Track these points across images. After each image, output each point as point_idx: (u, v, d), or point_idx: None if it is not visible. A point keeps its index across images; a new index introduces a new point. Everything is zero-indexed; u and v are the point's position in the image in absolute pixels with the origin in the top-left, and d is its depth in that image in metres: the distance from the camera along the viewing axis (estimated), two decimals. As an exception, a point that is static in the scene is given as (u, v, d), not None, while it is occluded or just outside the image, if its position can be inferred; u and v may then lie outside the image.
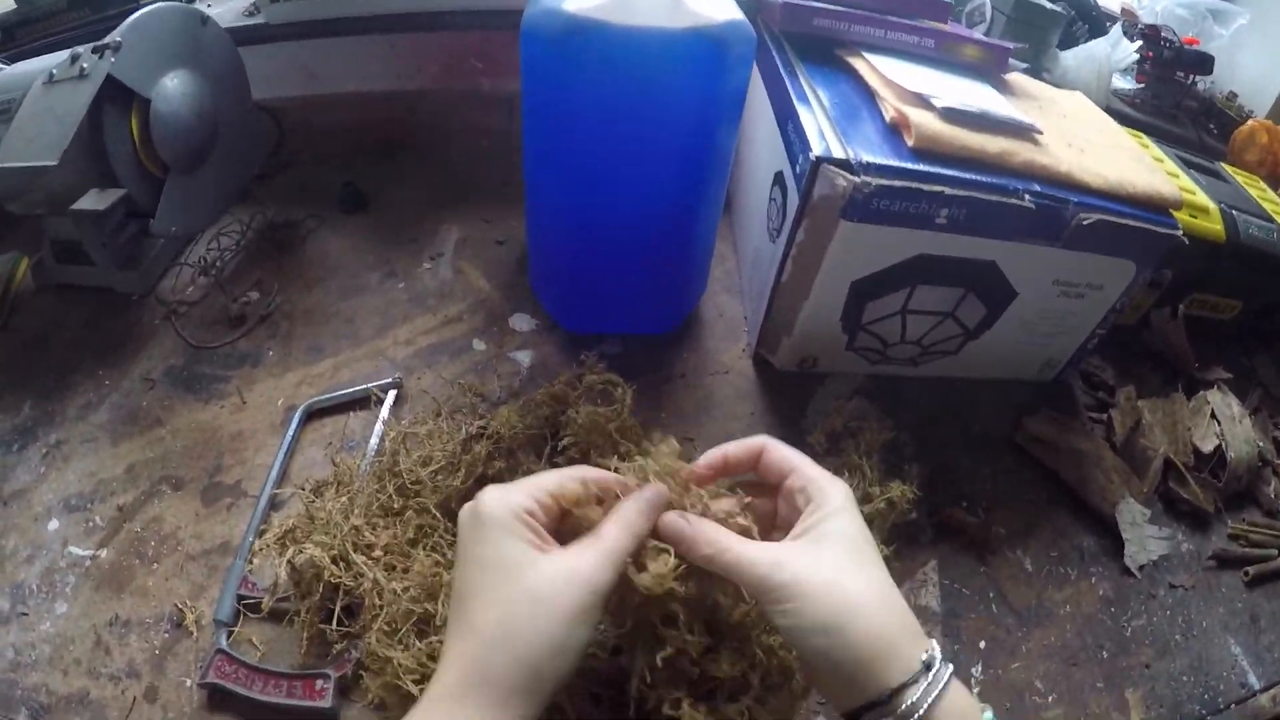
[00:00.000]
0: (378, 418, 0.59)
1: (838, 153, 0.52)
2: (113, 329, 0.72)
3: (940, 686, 0.31)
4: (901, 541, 0.57)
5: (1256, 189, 0.89)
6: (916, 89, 0.56)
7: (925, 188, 0.51)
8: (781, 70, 0.63)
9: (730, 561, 0.35)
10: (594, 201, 0.56)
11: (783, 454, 0.40)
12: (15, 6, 0.89)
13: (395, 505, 0.52)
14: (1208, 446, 0.72)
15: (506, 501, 0.35)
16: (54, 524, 0.58)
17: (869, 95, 0.59)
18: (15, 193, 0.69)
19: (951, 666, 0.33)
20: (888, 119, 0.56)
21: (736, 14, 0.51)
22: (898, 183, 0.51)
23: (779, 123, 0.60)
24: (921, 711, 0.30)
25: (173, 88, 0.68)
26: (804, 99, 0.58)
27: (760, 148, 0.66)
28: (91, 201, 0.65)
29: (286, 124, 0.83)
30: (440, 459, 0.53)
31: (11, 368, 0.70)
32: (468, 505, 0.36)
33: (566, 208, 0.58)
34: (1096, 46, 0.84)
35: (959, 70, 0.65)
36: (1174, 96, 0.92)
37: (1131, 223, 0.58)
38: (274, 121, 0.81)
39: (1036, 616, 0.57)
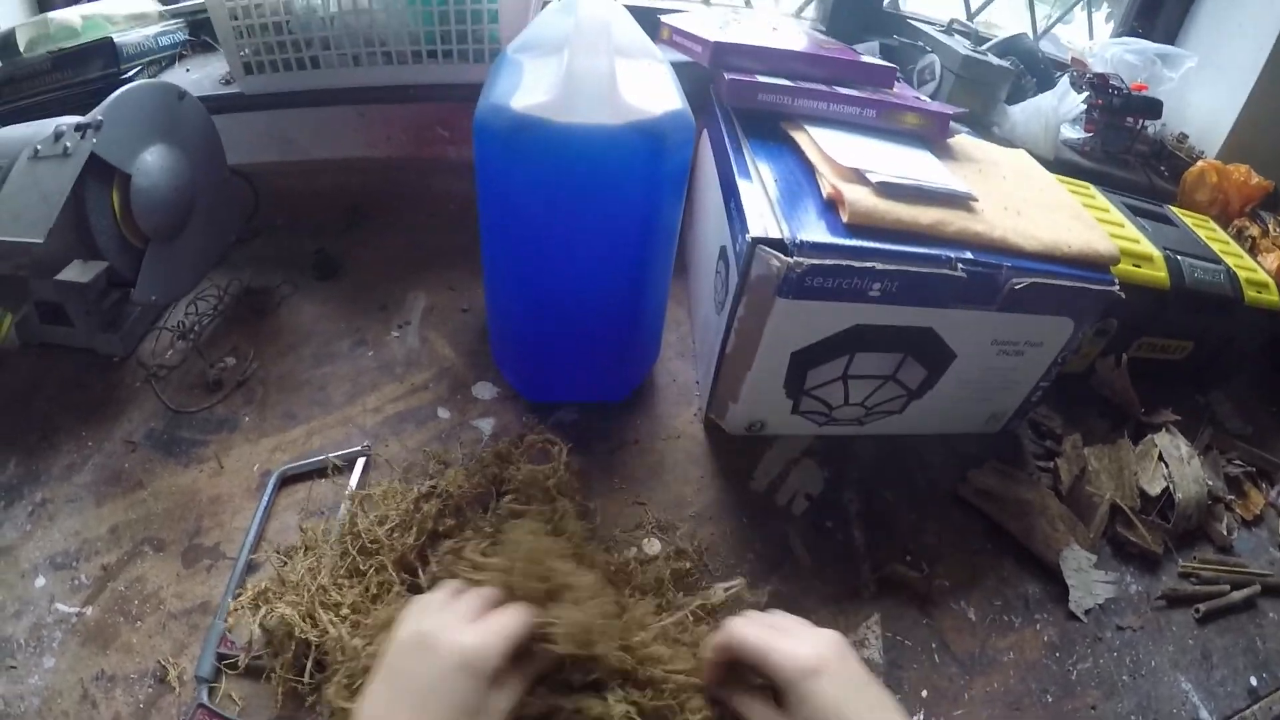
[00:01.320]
0: (349, 483, 0.63)
1: (774, 232, 0.55)
2: (94, 390, 0.75)
3: None
4: (845, 598, 0.60)
5: (1205, 229, 0.92)
6: (853, 164, 0.60)
7: (856, 264, 0.55)
8: (728, 144, 0.67)
9: None
10: (545, 279, 0.59)
11: (749, 648, 0.44)
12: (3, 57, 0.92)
13: (359, 566, 0.55)
14: (1155, 489, 0.75)
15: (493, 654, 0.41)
16: (41, 581, 0.60)
17: (810, 170, 0.63)
18: (2, 258, 0.73)
19: None
20: (825, 195, 0.59)
21: (675, 103, 0.55)
22: (829, 261, 0.55)
23: (724, 198, 0.64)
24: None
25: (152, 162, 0.72)
26: (746, 175, 0.62)
27: (709, 220, 0.70)
28: (75, 274, 0.68)
29: (261, 189, 0.86)
30: (395, 518, 0.56)
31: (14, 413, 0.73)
32: (466, 644, 0.41)
33: (521, 284, 0.61)
34: (1043, 100, 0.88)
35: (900, 138, 0.69)
36: (1124, 141, 0.96)
37: (1066, 283, 0.62)
38: (249, 186, 0.85)
39: (980, 664, 0.60)
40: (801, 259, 0.54)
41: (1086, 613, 0.65)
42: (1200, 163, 0.98)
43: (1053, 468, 0.74)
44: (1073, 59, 0.99)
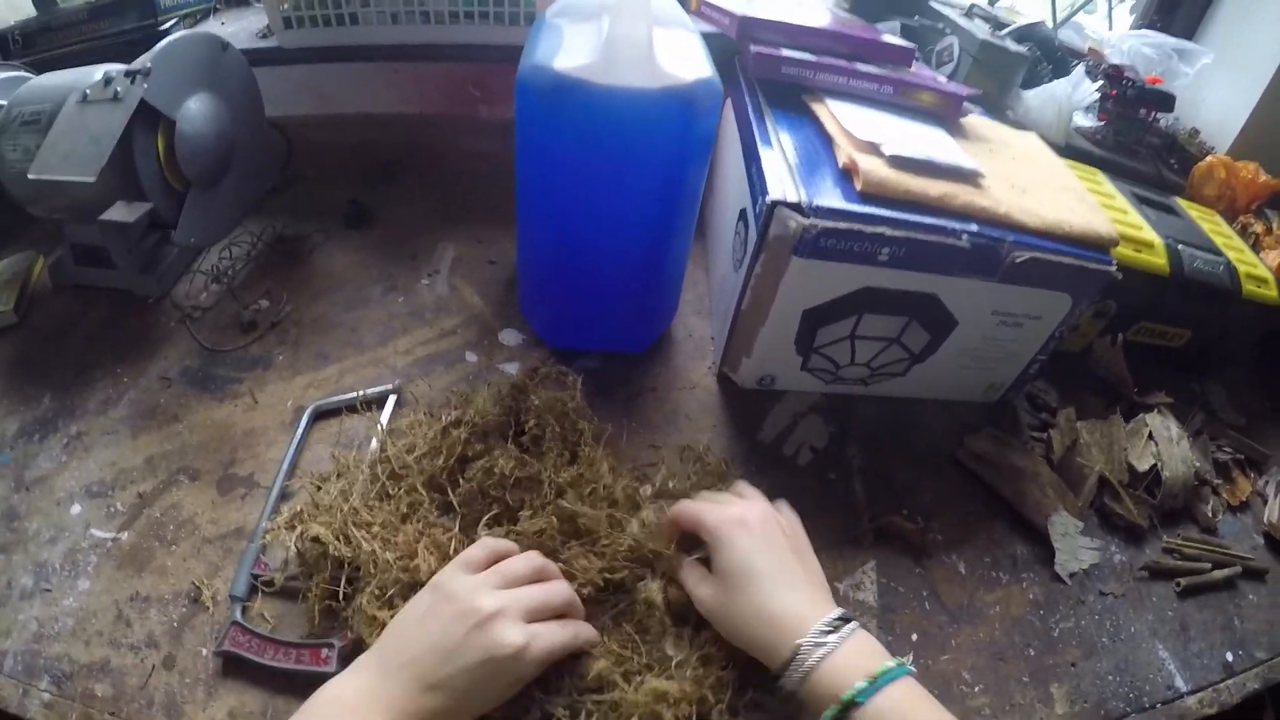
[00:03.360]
0: (379, 420, 0.69)
1: (792, 196, 0.62)
2: (129, 329, 0.82)
3: (836, 638, 0.45)
4: (844, 544, 0.67)
5: (1210, 223, 0.99)
6: (868, 137, 0.67)
7: (867, 229, 0.62)
8: (751, 113, 0.73)
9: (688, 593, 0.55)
10: (576, 233, 0.66)
11: (688, 515, 0.56)
12: (35, 14, 0.98)
13: (389, 490, 0.62)
14: (1143, 465, 0.82)
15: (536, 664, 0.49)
16: (76, 508, 0.67)
17: (828, 141, 0.69)
18: (44, 200, 0.79)
19: (854, 624, 0.46)
20: (841, 165, 0.66)
21: (705, 71, 0.61)
22: (843, 224, 0.61)
23: (746, 163, 0.70)
24: (811, 661, 0.42)
25: (196, 110, 0.78)
26: (768, 143, 0.69)
27: (730, 183, 0.76)
28: (120, 213, 0.74)
29: (295, 141, 0.93)
30: (423, 446, 0.63)
31: (30, 362, 0.80)
32: (517, 645, 0.48)
33: (552, 237, 0.68)
34: (1057, 87, 0.94)
35: (916, 115, 0.75)
36: (1136, 133, 1.03)
37: (1065, 259, 0.68)
38: (284, 138, 0.91)
39: (967, 615, 0.66)
40: (817, 221, 0.61)
41: (1071, 575, 0.71)
42: (1209, 158, 1.05)
43: (1046, 438, 0.81)
44: (1090, 49, 1.06)
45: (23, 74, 0.90)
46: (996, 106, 0.96)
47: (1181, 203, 1.00)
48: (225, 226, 0.85)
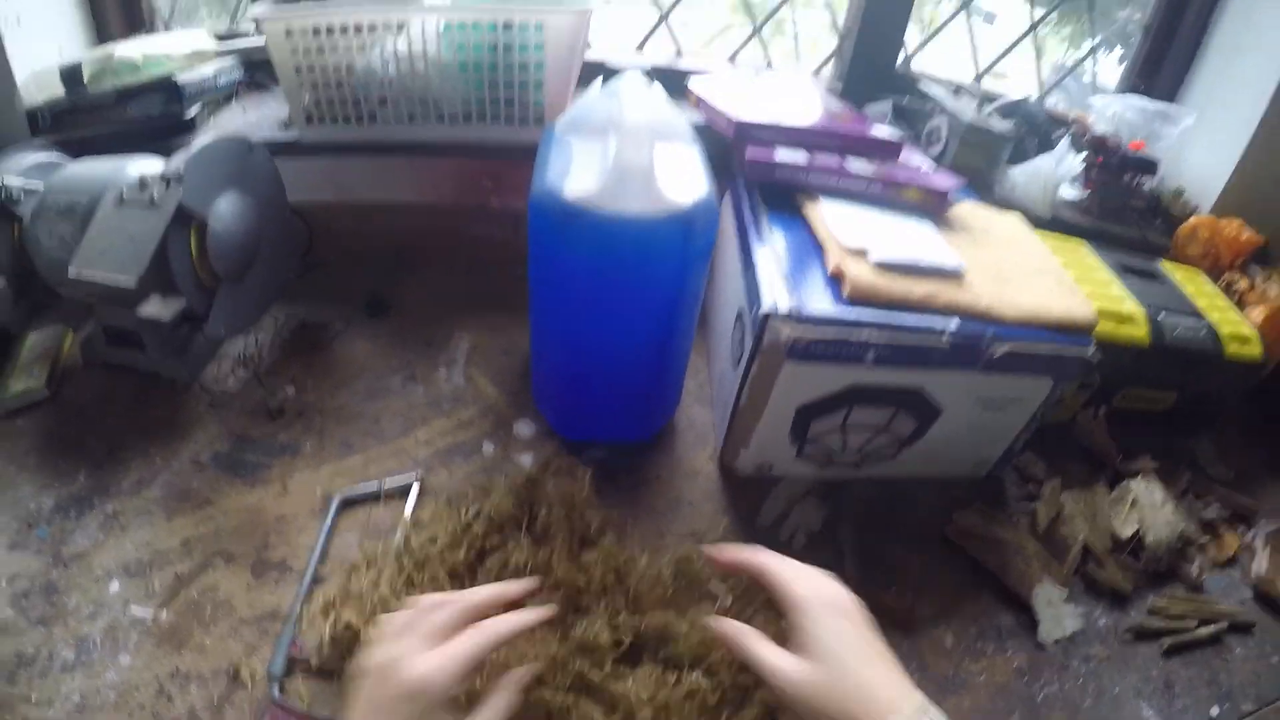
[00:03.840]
0: (404, 510, 0.77)
1: (784, 304, 0.69)
2: (160, 410, 0.89)
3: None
4: (837, 621, 0.74)
5: (1194, 284, 1.06)
6: (855, 244, 0.74)
7: (854, 336, 0.69)
8: (747, 212, 0.81)
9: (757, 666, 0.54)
10: (585, 337, 0.73)
11: (771, 569, 0.56)
12: (64, 94, 1.05)
13: (414, 579, 0.69)
14: (1126, 531, 0.89)
15: (440, 685, 0.48)
16: (115, 586, 0.73)
17: (819, 244, 0.77)
18: (80, 289, 0.87)
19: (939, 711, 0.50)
20: (830, 271, 0.73)
21: (703, 189, 0.69)
22: (831, 332, 0.68)
23: (743, 265, 0.77)
24: None
25: (226, 209, 0.86)
26: (763, 246, 0.76)
27: (729, 280, 0.84)
28: (156, 310, 0.82)
29: (315, 227, 1.01)
30: (445, 538, 0.70)
31: (63, 437, 0.87)
32: (403, 671, 0.48)
33: (562, 340, 0.76)
34: (1042, 163, 1.02)
35: (904, 210, 0.83)
36: (1121, 198, 1.10)
37: (1044, 348, 0.76)
38: (305, 225, 0.99)
39: (953, 684, 0.73)
40: (807, 329, 0.68)
41: (1055, 642, 0.77)
42: (1193, 218, 1.12)
43: (1031, 511, 0.88)
44: (1075, 117, 1.13)
45: (55, 158, 0.97)
46: (984, 184, 1.03)
47: (1166, 266, 1.07)
48: (253, 317, 0.93)
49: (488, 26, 0.88)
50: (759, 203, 0.82)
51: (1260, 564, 0.91)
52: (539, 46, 0.89)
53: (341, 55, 0.90)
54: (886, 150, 0.87)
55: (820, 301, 0.70)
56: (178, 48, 1.08)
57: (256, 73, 1.11)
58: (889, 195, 0.82)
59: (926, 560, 0.81)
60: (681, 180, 0.68)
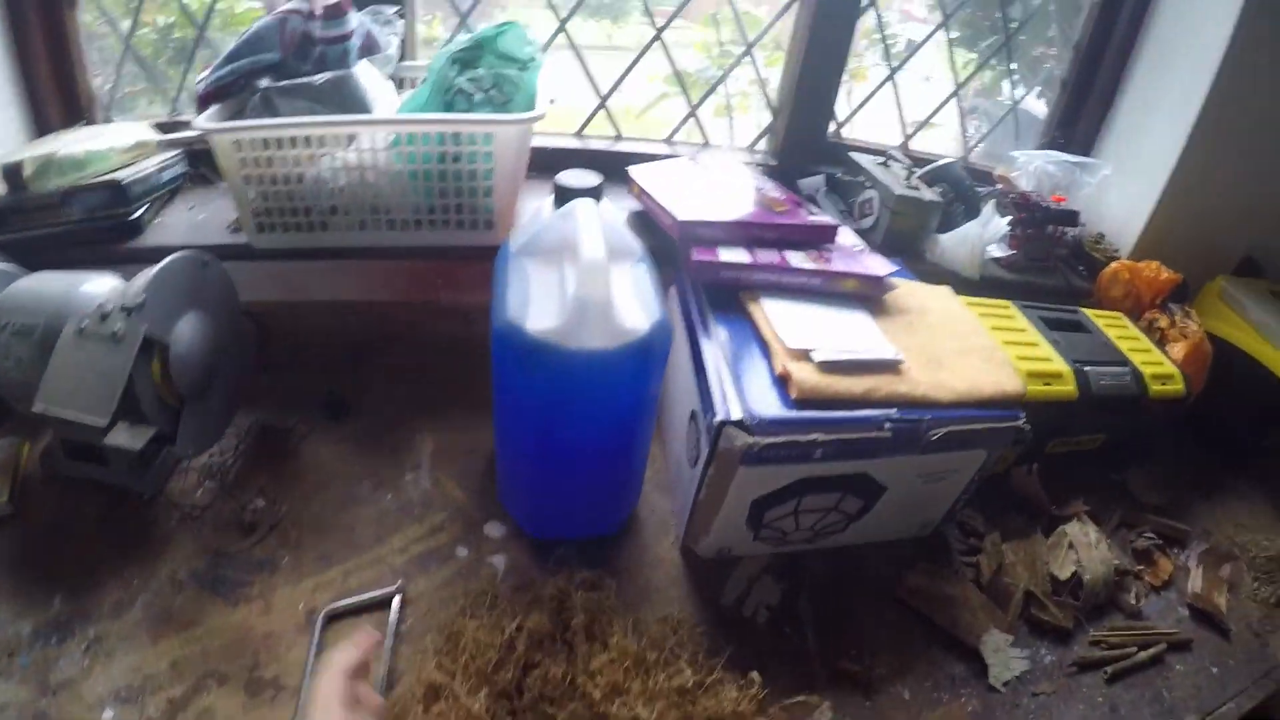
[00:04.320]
0: (387, 620, 0.82)
1: (736, 413, 0.77)
2: (129, 527, 0.92)
3: None
4: (802, 690, 0.82)
5: (1117, 328, 1.17)
6: (799, 344, 0.82)
7: (802, 438, 0.77)
8: (694, 311, 0.88)
9: None
10: (549, 449, 0.80)
11: None
12: (6, 194, 1.07)
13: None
14: (1065, 573, 0.99)
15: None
16: (109, 714, 0.76)
17: (764, 344, 0.84)
18: (47, 423, 0.90)
19: None
20: (777, 373, 0.81)
21: (656, 312, 0.75)
22: (781, 437, 0.76)
23: (694, 366, 0.85)
24: None
25: (186, 330, 0.90)
26: (713, 354, 0.84)
27: (681, 376, 0.91)
28: (125, 440, 0.85)
29: (268, 326, 1.05)
30: (489, 655, 0.75)
31: (34, 560, 0.90)
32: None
33: (527, 450, 0.82)
34: (970, 229, 1.11)
35: (841, 300, 0.91)
36: (1045, 249, 1.20)
37: (977, 425, 0.84)
38: (256, 325, 1.03)
39: (914, 736, 0.82)
40: (759, 438, 0.76)
41: (1005, 684, 0.86)
42: (1113, 264, 1.22)
43: (975, 563, 0.98)
44: (999, 176, 1.23)
45: (5, 267, 0.99)
46: (915, 251, 1.12)
47: (1088, 314, 1.17)
48: (219, 430, 0.97)
49: (436, 137, 0.93)
50: (704, 301, 0.89)
51: (1195, 582, 1.03)
52: (488, 155, 0.94)
53: (291, 165, 0.95)
54: (823, 234, 0.95)
55: (770, 405, 0.78)
56: (120, 140, 1.11)
57: (200, 164, 1.14)
58: (828, 286, 0.90)
59: (880, 622, 0.90)
60: (636, 304, 0.75)
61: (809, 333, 0.84)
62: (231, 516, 0.92)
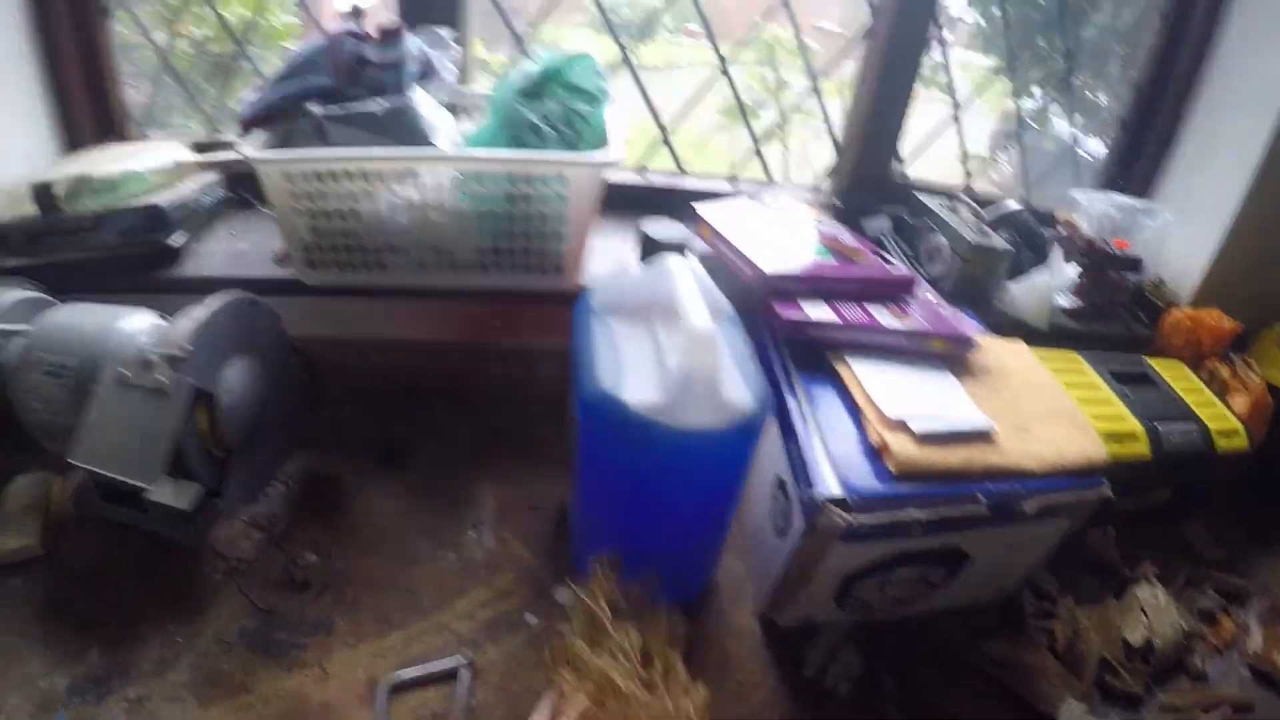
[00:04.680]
0: (456, 693, 0.79)
1: (835, 489, 0.74)
2: (171, 577, 0.88)
3: None
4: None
5: (1180, 378, 1.16)
6: (896, 414, 0.79)
7: (903, 516, 0.74)
8: (778, 371, 0.86)
9: None
10: (637, 515, 0.77)
11: None
12: (39, 215, 1.01)
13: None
14: (1137, 638, 0.97)
15: None
16: None
17: (856, 408, 0.82)
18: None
19: None
20: (872, 442, 0.78)
21: (760, 382, 0.73)
22: (881, 515, 0.74)
23: (781, 430, 0.82)
24: None
25: (233, 377, 0.86)
26: (802, 417, 0.81)
27: (765, 443, 0.88)
28: (171, 498, 0.80)
29: (316, 364, 1.00)
30: None
31: (69, 607, 0.86)
32: None
33: (613, 516, 0.79)
34: (1039, 279, 1.09)
35: (926, 361, 0.88)
36: (1109, 295, 1.19)
37: (1066, 497, 0.83)
38: (305, 361, 0.98)
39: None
40: (861, 516, 0.73)
41: None
42: (1175, 312, 1.21)
43: (1050, 630, 0.96)
44: (1062, 220, 1.21)
45: (36, 293, 0.94)
46: (984, 299, 1.10)
47: (1152, 363, 1.16)
48: (268, 479, 0.93)
49: (505, 177, 0.90)
50: (789, 365, 0.87)
51: (1255, 641, 1.02)
52: (561, 197, 0.91)
53: (346, 200, 0.90)
54: (903, 286, 0.93)
55: (866, 478, 0.76)
56: (156, 161, 1.05)
57: (241, 189, 1.08)
58: (915, 346, 0.88)
59: (960, 691, 0.88)
60: (738, 374, 0.72)
61: (903, 400, 0.82)
62: (281, 572, 0.89)
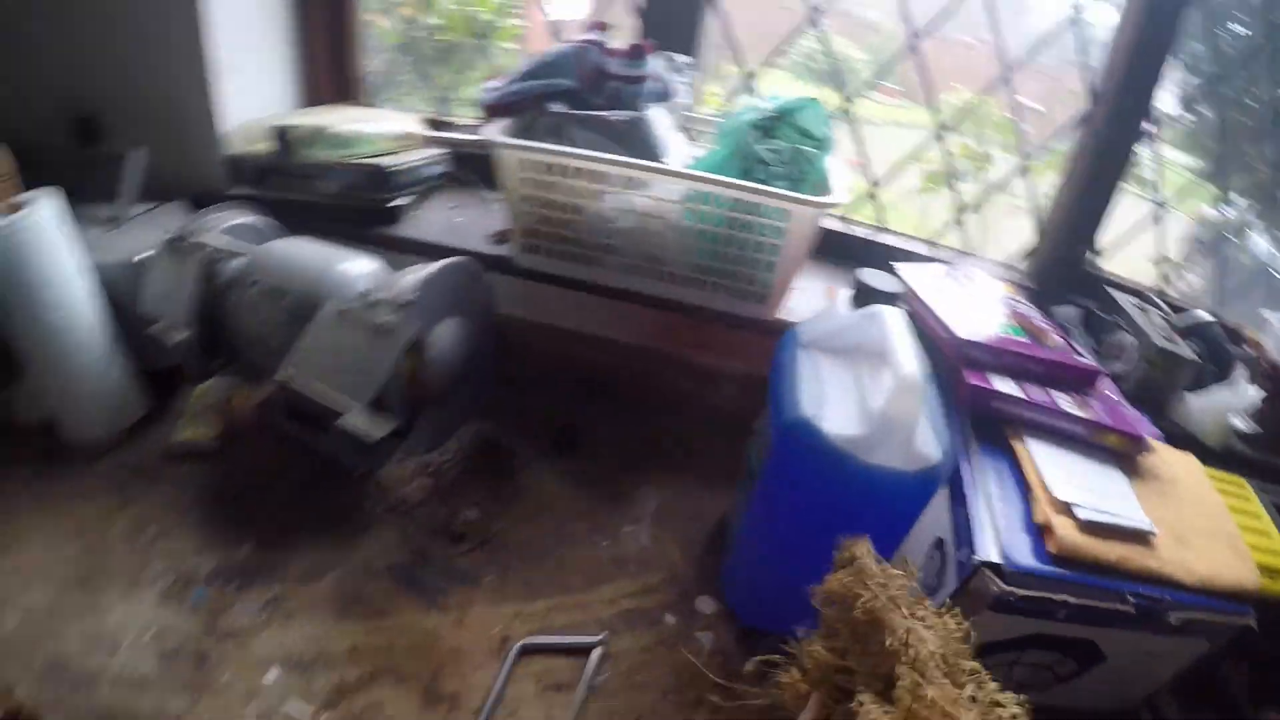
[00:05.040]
0: (583, 669, 0.84)
1: (994, 555, 0.76)
2: (335, 501, 0.96)
3: None
4: None
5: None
6: (1064, 496, 0.81)
7: (1054, 596, 0.76)
8: (957, 442, 0.87)
9: None
10: (803, 544, 0.79)
11: None
12: (273, 154, 1.12)
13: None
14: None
15: None
16: (273, 674, 0.80)
17: (1024, 484, 0.83)
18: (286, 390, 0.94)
19: None
20: (1037, 520, 0.80)
21: (949, 438, 0.76)
22: (1033, 591, 0.75)
23: (950, 494, 0.84)
24: None
25: (445, 335, 0.94)
26: (973, 482, 0.83)
27: (932, 502, 0.90)
28: (364, 426, 0.88)
29: (507, 342, 1.08)
30: None
31: (231, 503, 0.95)
32: None
33: (778, 541, 0.84)
34: (1219, 396, 1.08)
35: (1098, 453, 0.89)
36: (1286, 421, 1.15)
37: (1212, 617, 0.83)
38: (500, 334, 1.06)
39: None
40: (1015, 588, 0.75)
41: None
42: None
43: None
44: (1249, 339, 1.19)
45: (258, 221, 1.05)
46: (1160, 406, 1.10)
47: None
48: (451, 433, 1.00)
49: (729, 202, 0.96)
50: (968, 426, 0.89)
51: None
52: (778, 230, 0.96)
53: (571, 195, 0.98)
54: (1088, 378, 0.94)
55: (1024, 553, 0.78)
56: (388, 128, 1.16)
57: (464, 168, 1.18)
58: (1090, 436, 0.89)
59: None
60: (929, 427, 0.76)
61: (1072, 485, 0.83)
62: (441, 521, 0.95)
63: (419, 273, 0.92)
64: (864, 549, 0.71)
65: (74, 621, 0.84)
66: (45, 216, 0.91)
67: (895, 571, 0.70)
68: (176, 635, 0.83)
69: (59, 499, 0.98)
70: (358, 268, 0.97)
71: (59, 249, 0.92)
